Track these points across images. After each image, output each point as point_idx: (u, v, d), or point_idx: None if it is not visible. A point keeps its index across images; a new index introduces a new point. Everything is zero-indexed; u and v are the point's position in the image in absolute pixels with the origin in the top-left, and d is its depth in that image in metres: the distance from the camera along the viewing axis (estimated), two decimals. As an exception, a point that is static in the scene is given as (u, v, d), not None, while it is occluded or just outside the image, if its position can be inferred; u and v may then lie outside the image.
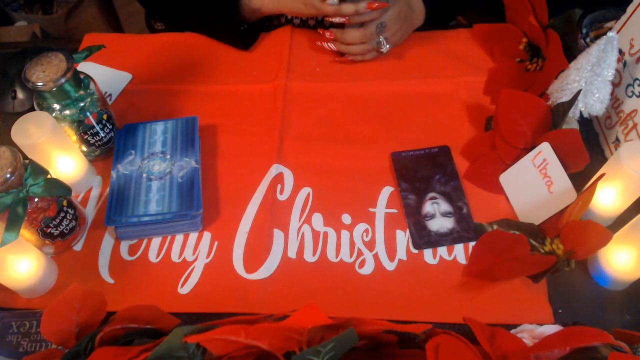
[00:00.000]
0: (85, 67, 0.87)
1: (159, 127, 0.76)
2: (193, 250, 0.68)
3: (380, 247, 0.68)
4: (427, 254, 0.67)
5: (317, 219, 0.70)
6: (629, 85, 0.69)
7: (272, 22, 0.95)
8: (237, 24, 0.87)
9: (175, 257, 0.68)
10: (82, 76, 0.70)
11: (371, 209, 0.71)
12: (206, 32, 0.92)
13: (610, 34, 0.65)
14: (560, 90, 0.70)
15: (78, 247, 0.69)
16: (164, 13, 0.98)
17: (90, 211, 0.73)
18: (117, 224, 0.67)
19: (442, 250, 0.67)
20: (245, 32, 0.89)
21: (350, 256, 0.67)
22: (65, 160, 0.69)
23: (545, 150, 0.65)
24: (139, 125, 0.76)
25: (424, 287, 0.64)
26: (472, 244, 0.67)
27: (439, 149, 0.76)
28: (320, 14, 0.80)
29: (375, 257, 0.67)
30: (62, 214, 0.65)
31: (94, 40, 0.93)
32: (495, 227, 0.68)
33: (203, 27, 0.92)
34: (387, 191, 0.72)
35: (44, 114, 0.66)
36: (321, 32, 0.86)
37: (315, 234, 0.69)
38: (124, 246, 0.69)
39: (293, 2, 0.81)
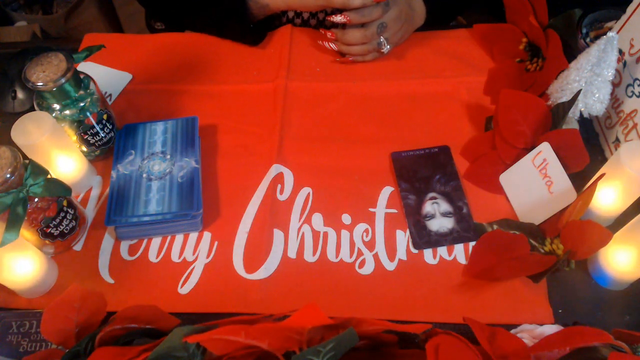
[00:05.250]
0: (85, 67, 0.87)
1: (159, 127, 0.76)
2: (193, 250, 0.68)
3: (380, 247, 0.68)
4: (427, 254, 0.67)
5: (317, 219, 0.70)
6: (629, 85, 0.69)
7: (272, 21, 0.95)
8: (246, 21, 0.86)
9: (175, 257, 0.68)
10: (82, 76, 0.70)
11: (371, 209, 0.71)
12: (213, 31, 0.92)
13: (610, 34, 0.65)
14: (560, 90, 0.70)
15: (78, 247, 0.69)
16: (166, 13, 0.98)
17: (90, 211, 0.73)
18: (117, 224, 0.67)
19: (442, 250, 0.67)
20: (253, 29, 0.89)
21: (350, 256, 0.67)
22: (65, 160, 0.69)
23: (545, 150, 0.65)
24: (139, 125, 0.76)
25: (424, 287, 0.64)
26: (472, 244, 0.67)
27: (439, 149, 0.76)
28: (329, 6, 0.80)
29: (375, 257, 0.67)
30: (62, 214, 0.65)
31: (94, 40, 0.93)
32: (495, 227, 0.68)
33: (209, 26, 0.92)
34: (387, 191, 0.72)
35: (44, 114, 0.66)
36: (323, 31, 0.86)
37: (315, 234, 0.69)
38: (124, 246, 0.69)
39: None
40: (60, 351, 0.51)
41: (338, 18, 0.80)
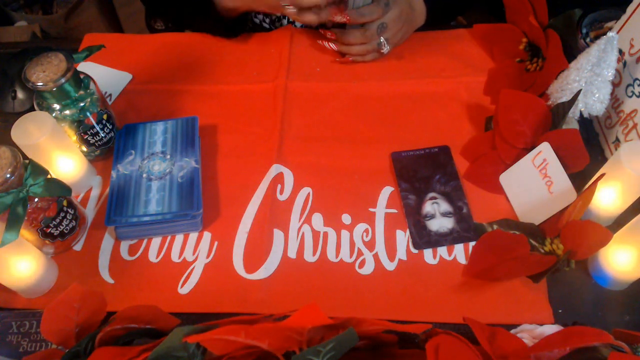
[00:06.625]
0: (85, 67, 0.87)
1: (159, 127, 0.76)
2: (193, 250, 0.68)
3: (380, 247, 0.68)
4: (427, 254, 0.67)
5: (317, 219, 0.70)
6: (629, 85, 0.69)
7: (273, 23, 0.95)
8: (219, 21, 0.86)
9: (175, 257, 0.68)
10: (82, 76, 0.70)
11: (371, 209, 0.71)
12: (198, 28, 0.93)
13: (610, 34, 0.65)
14: (560, 90, 0.70)
15: (78, 247, 0.69)
16: (165, 13, 0.99)
17: (90, 211, 0.73)
18: (117, 224, 0.67)
19: (442, 250, 0.67)
20: (229, 25, 0.89)
21: (350, 256, 0.67)
22: (65, 160, 0.69)
23: (545, 150, 0.65)
24: (139, 125, 0.76)
25: (424, 287, 0.64)
26: (472, 244, 0.67)
27: (439, 149, 0.76)
28: (284, 14, 0.79)
29: (375, 257, 0.67)
30: (62, 214, 0.65)
31: (94, 40, 0.93)
32: (495, 227, 0.68)
33: (195, 24, 0.92)
34: (387, 191, 0.72)
35: (44, 114, 0.66)
36: (322, 31, 0.86)
37: (315, 234, 0.69)
38: (124, 246, 0.69)
39: (259, 3, 0.81)
40: (60, 351, 0.51)
41: (338, 17, 0.80)
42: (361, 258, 0.67)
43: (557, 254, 0.62)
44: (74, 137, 0.72)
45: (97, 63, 0.89)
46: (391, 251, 0.67)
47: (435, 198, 0.71)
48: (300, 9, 0.76)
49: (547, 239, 0.64)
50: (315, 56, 0.89)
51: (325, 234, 0.69)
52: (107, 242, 0.70)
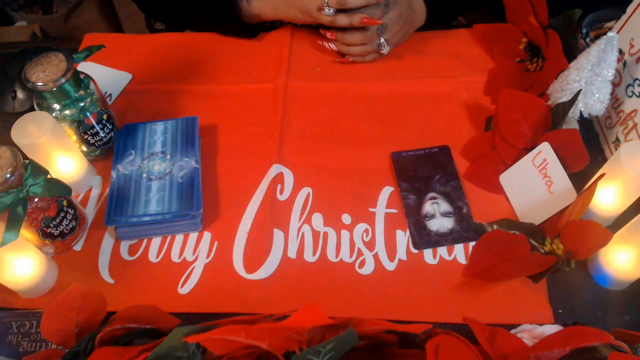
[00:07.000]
0: (85, 67, 0.87)
1: (159, 127, 0.76)
2: (193, 250, 0.68)
3: (380, 247, 0.68)
4: (427, 254, 0.67)
5: (317, 219, 0.70)
6: (629, 85, 0.69)
7: (273, 22, 0.95)
8: (239, 24, 0.87)
9: (175, 257, 0.68)
10: (82, 76, 0.70)
11: (371, 209, 0.71)
12: (209, 30, 0.93)
13: (610, 34, 0.65)
14: (560, 90, 0.70)
15: (78, 247, 0.69)
16: (164, 15, 0.99)
17: (90, 211, 0.73)
18: (117, 223, 0.67)
19: (442, 250, 0.67)
20: (249, 27, 0.90)
21: (350, 256, 0.67)
22: (65, 160, 0.70)
23: (545, 150, 0.65)
24: (139, 125, 0.76)
25: (424, 287, 0.64)
26: (472, 244, 0.67)
27: (439, 149, 0.76)
28: (316, 22, 0.81)
29: (375, 257, 0.67)
30: (62, 214, 0.65)
31: (94, 40, 0.93)
32: (495, 227, 0.68)
33: (206, 27, 0.93)
34: (387, 191, 0.72)
35: (44, 114, 0.66)
36: (322, 32, 0.86)
37: (315, 234, 0.69)
38: (124, 246, 0.69)
39: (291, 9, 0.82)
40: (60, 351, 0.51)
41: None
42: (361, 258, 0.67)
43: (557, 254, 0.62)
44: (74, 137, 0.72)
45: (97, 63, 0.89)
46: (391, 251, 0.67)
47: (435, 198, 0.71)
48: (337, 12, 0.78)
49: (547, 239, 0.64)
50: (315, 56, 0.89)
51: (325, 234, 0.69)
52: (107, 242, 0.70)
